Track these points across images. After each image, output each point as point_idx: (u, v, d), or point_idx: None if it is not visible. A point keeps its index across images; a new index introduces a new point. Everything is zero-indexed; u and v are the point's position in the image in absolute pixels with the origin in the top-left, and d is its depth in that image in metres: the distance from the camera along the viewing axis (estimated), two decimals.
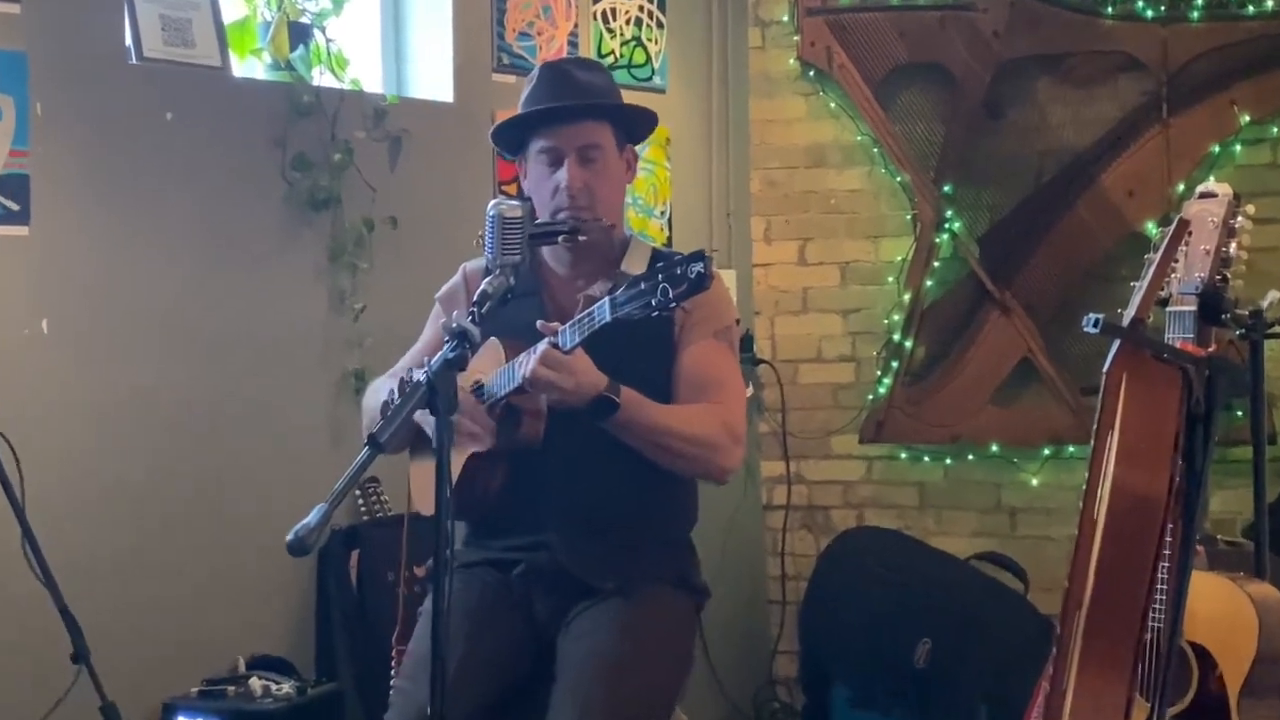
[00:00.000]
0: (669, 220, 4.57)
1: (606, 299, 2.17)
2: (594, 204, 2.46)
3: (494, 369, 2.40)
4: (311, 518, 1.77)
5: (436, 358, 1.95)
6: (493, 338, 2.40)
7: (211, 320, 3.37)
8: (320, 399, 3.57)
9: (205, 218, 3.36)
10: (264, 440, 3.45)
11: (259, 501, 3.38)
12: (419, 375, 1.99)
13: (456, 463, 2.37)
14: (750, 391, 4.75)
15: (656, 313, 2.10)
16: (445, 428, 1.90)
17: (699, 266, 2.07)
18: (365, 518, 3.52)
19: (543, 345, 2.26)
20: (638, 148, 2.61)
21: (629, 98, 2.64)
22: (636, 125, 2.60)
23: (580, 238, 2.42)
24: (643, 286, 2.11)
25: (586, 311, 2.21)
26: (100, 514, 3.15)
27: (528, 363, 2.26)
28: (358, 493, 3.53)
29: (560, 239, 2.43)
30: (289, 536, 1.75)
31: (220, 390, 3.37)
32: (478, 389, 2.43)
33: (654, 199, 4.51)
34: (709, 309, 2.44)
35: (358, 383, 3.54)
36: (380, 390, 2.62)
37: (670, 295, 2.08)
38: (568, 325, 2.25)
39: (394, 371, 2.69)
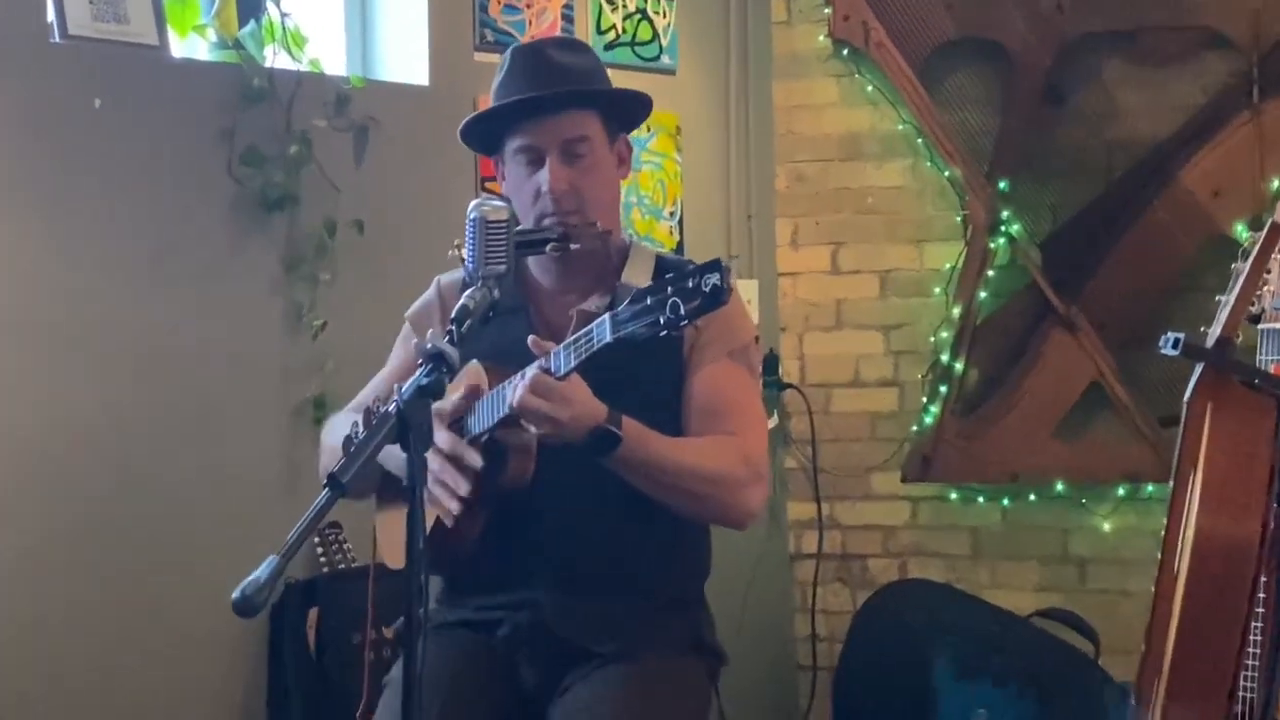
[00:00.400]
0: (679, 222, 4.57)
1: (607, 316, 2.15)
2: (583, 206, 2.45)
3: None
4: (261, 571, 1.76)
5: (408, 384, 1.95)
6: (473, 361, 2.40)
7: (146, 341, 3.37)
8: (273, 432, 3.57)
9: (139, 221, 3.36)
10: (207, 480, 3.45)
11: (201, 552, 3.38)
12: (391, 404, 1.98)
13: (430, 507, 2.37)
14: (774, 421, 4.75)
15: (665, 332, 2.09)
16: (419, 466, 1.89)
17: (715, 278, 2.05)
18: (325, 569, 3.52)
19: (533, 369, 2.25)
20: (636, 135, 2.60)
21: (633, 79, 2.65)
22: (628, 111, 2.60)
23: (571, 246, 2.42)
24: (649, 301, 2.09)
25: (583, 331, 2.20)
26: (15, 567, 3.14)
27: (516, 389, 2.25)
28: (316, 540, 3.52)
29: (548, 248, 2.42)
30: (235, 594, 1.74)
31: (156, 422, 3.37)
32: (456, 422, 2.43)
33: (662, 198, 4.52)
34: (723, 325, 2.44)
35: (317, 413, 3.54)
36: (340, 427, 2.61)
37: (682, 311, 2.06)
38: (561, 346, 2.24)
39: (355, 404, 2.69)
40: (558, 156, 2.46)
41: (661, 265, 2.51)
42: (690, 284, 2.05)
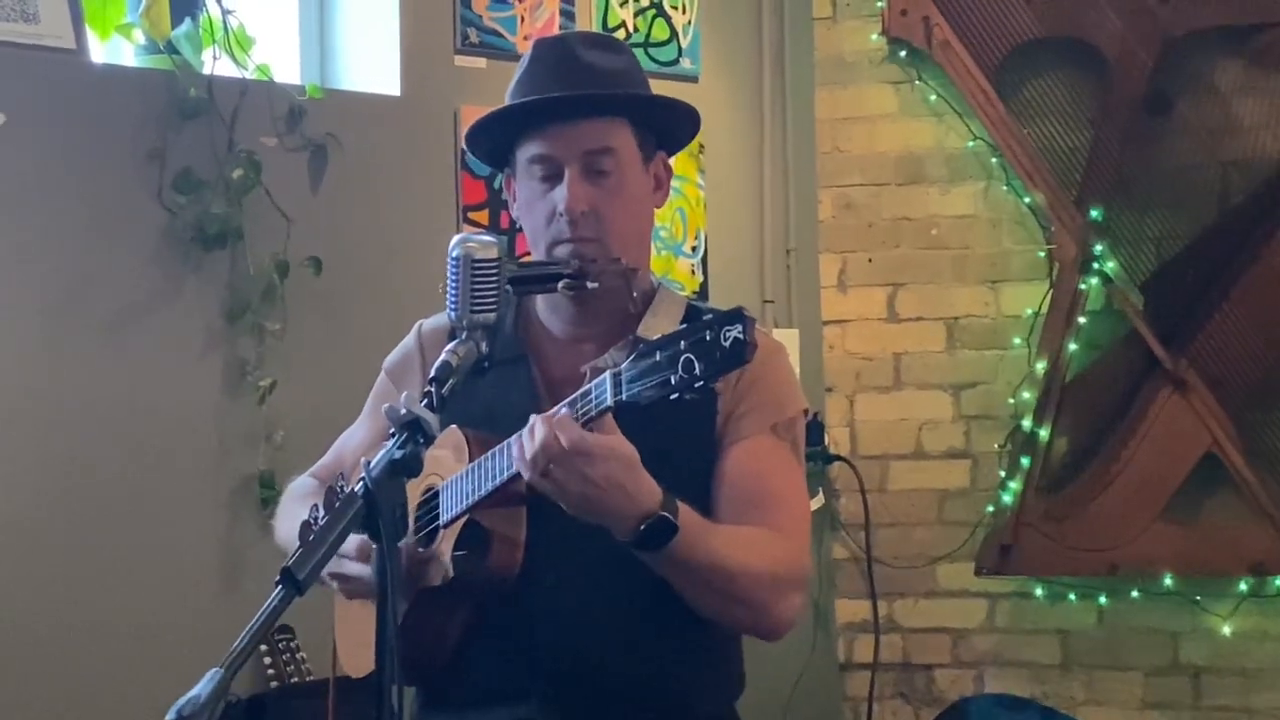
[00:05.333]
0: (703, 260, 4.58)
1: (608, 374, 2.14)
2: (605, 234, 2.44)
3: (452, 469, 2.39)
4: (202, 688, 1.75)
5: (377, 458, 1.94)
6: (452, 426, 2.40)
7: (60, 405, 3.37)
8: (210, 516, 3.57)
9: (48, 259, 3.37)
10: (130, 576, 3.44)
11: (126, 664, 3.37)
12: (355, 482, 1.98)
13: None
14: (819, 501, 4.74)
15: (677, 395, 2.07)
16: (391, 558, 1.89)
17: (736, 330, 2.02)
18: (275, 684, 3.51)
19: (562, 410, 2.18)
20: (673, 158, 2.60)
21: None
22: (670, 126, 2.60)
23: (589, 284, 2.40)
24: (657, 358, 2.07)
25: (581, 391, 2.19)
26: None
27: (530, 444, 2.19)
28: (264, 648, 3.52)
29: (561, 285, 2.41)
30: (170, 715, 1.74)
31: (71, 505, 3.37)
32: (428, 500, 2.43)
33: (682, 230, 4.53)
34: (768, 393, 2.42)
35: (263, 493, 3.54)
36: (299, 500, 2.61)
37: (697, 371, 2.04)
38: (556, 409, 2.23)
39: (321, 466, 2.69)
40: (578, 171, 2.44)
41: (693, 316, 2.49)
42: (707, 337, 2.02)
